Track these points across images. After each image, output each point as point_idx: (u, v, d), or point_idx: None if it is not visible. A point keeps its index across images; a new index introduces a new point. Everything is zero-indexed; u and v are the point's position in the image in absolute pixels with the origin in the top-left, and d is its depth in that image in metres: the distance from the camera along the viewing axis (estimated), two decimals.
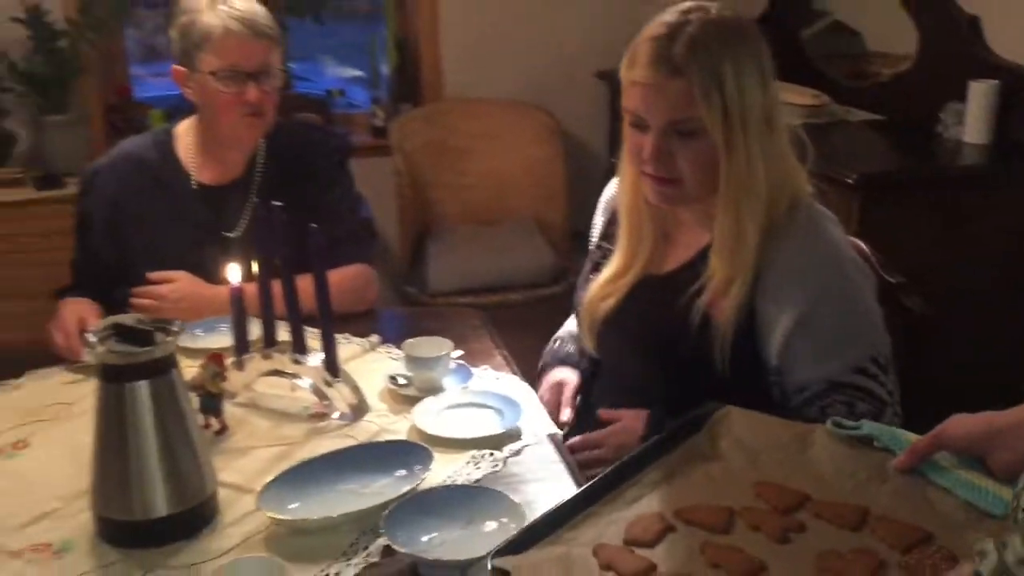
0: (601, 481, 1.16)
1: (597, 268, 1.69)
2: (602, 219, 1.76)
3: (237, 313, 1.62)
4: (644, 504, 1.13)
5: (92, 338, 1.24)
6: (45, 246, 2.96)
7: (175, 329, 1.27)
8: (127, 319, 1.27)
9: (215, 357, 1.52)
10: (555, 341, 1.88)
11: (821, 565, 1.03)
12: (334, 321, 1.58)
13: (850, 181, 2.53)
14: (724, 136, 1.43)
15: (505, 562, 1.01)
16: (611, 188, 1.73)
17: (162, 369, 1.25)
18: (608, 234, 1.71)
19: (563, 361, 1.81)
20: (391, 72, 3.75)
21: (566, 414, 1.69)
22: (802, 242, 1.46)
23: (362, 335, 1.88)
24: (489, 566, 1.00)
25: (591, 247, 1.79)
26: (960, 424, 1.11)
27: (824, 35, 3.62)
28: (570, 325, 1.86)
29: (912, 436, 1.16)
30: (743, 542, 1.06)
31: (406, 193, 3.46)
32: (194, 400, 1.42)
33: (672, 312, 1.51)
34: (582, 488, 1.16)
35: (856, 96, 3.30)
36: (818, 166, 1.56)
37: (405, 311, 2.11)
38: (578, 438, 1.59)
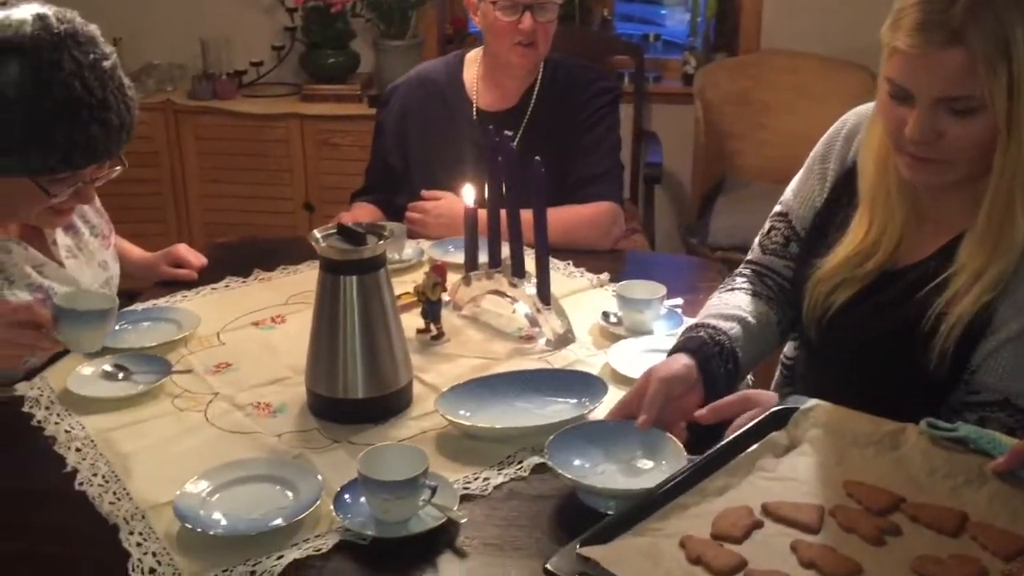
0: (688, 472, 1.14)
1: (821, 235, 1.47)
2: (835, 167, 1.49)
3: (469, 232, 1.75)
4: (731, 497, 1.10)
5: (318, 235, 1.41)
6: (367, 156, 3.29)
7: (386, 235, 1.41)
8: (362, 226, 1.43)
9: (437, 268, 1.67)
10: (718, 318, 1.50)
11: (919, 570, 0.97)
12: (548, 250, 1.65)
13: None
14: (1007, 114, 1.21)
15: (592, 551, 1.01)
16: (850, 121, 1.50)
17: (371, 267, 1.40)
18: (842, 195, 1.46)
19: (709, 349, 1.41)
20: (710, 19, 3.71)
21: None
22: None
23: (597, 271, 1.95)
24: (576, 554, 1.01)
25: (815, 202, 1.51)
26: None
27: None
28: (741, 301, 1.52)
29: (1012, 440, 1.09)
30: (836, 542, 1.03)
31: (703, 142, 3.43)
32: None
33: (907, 310, 1.32)
34: (668, 478, 1.14)
35: None
36: None
37: (645, 254, 2.13)
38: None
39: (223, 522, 1.17)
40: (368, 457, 1.20)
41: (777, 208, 1.58)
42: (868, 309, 1.37)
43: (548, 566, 1.01)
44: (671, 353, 1.40)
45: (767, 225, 1.59)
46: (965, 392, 1.29)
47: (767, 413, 1.23)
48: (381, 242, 1.41)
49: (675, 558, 1.02)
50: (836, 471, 1.15)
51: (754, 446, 1.18)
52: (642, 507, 1.10)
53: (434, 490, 1.18)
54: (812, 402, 1.23)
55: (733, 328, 1.44)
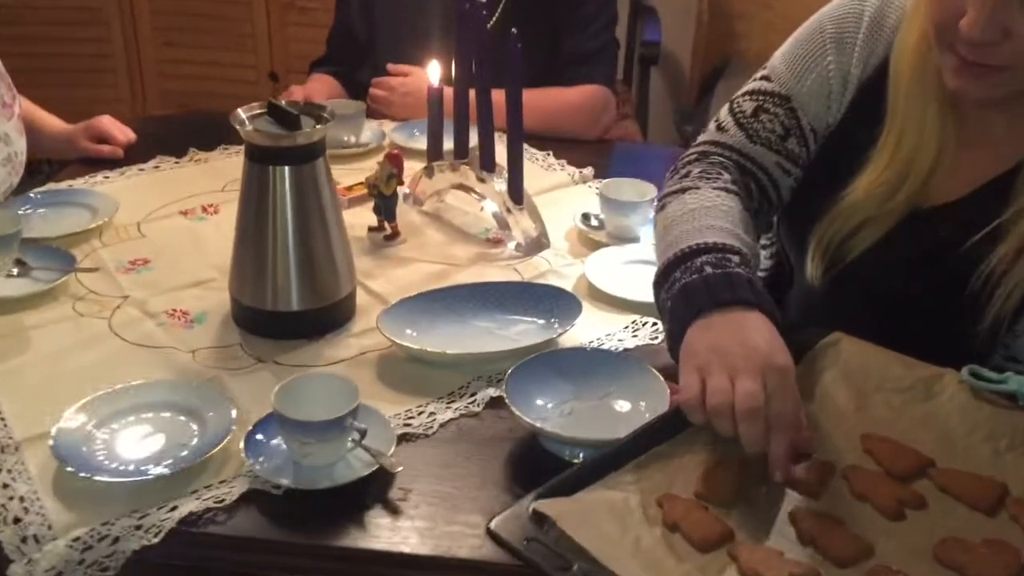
0: (672, 417, 0.94)
1: (834, 159, 1.13)
2: (857, 67, 1.13)
3: (433, 116, 1.51)
4: (724, 449, 0.90)
5: (243, 115, 1.18)
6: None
7: (326, 116, 1.18)
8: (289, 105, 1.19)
9: (392, 157, 1.43)
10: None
11: (944, 557, 0.79)
12: (522, 139, 1.41)
13: None
14: None
15: (549, 506, 0.83)
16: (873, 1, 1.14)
17: (306, 156, 1.17)
18: (865, 108, 1.12)
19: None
20: None
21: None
22: None
23: (580, 165, 1.72)
24: (528, 510, 0.83)
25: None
26: None
27: None
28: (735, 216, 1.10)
29: None
30: (844, 512, 0.84)
31: (705, 20, 3.14)
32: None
33: (947, 266, 1.04)
34: (652, 420, 0.95)
35: None
36: None
37: (636, 145, 1.90)
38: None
39: (108, 463, 0.98)
40: (285, 390, 0.99)
41: (768, 84, 1.18)
42: (896, 261, 1.08)
43: (491, 526, 0.82)
44: (728, 303, 0.93)
45: (751, 102, 1.18)
46: (1003, 357, 1.05)
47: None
48: (319, 126, 1.17)
49: (648, 522, 0.83)
50: (854, 421, 0.95)
51: None
52: (617, 453, 0.91)
53: (364, 432, 0.98)
54: (834, 335, 1.02)
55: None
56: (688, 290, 0.96)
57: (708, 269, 0.97)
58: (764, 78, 1.19)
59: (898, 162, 1.07)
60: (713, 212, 1.07)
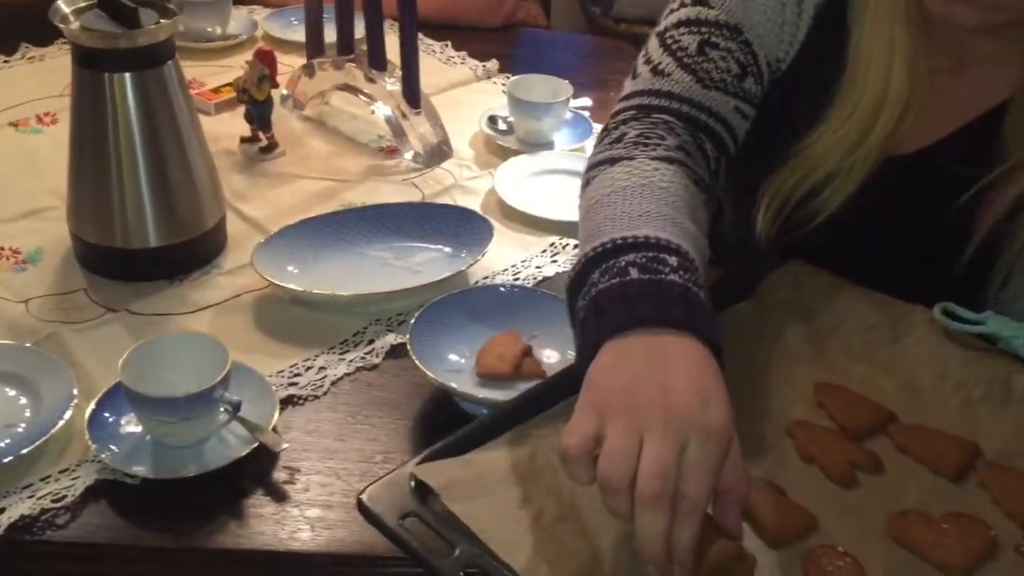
0: None
1: (789, 104, 0.93)
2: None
3: (311, 3, 1.29)
4: None
5: (65, 8, 0.95)
6: None
7: (172, 8, 0.96)
8: None
9: (263, 55, 1.22)
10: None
11: (900, 534, 0.67)
12: (416, 30, 1.21)
13: None
14: None
15: (433, 472, 0.67)
16: None
17: (151, 60, 0.95)
18: (825, 41, 0.90)
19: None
20: None
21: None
22: None
23: (482, 58, 1.53)
24: (410, 480, 0.67)
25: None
26: None
27: None
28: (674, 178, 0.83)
29: None
30: (786, 478, 0.71)
31: None
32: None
33: (937, 221, 0.87)
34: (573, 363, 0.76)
35: None
36: None
37: (541, 32, 1.70)
38: None
39: None
40: (137, 356, 0.81)
41: (710, 12, 0.92)
42: (872, 223, 0.88)
43: (363, 498, 0.66)
44: (653, 323, 0.67)
45: (692, 36, 0.91)
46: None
47: (725, 271, 0.88)
48: (165, 21, 0.95)
49: (555, 482, 0.67)
50: (807, 367, 0.82)
51: None
52: (527, 400, 0.75)
53: (237, 406, 0.81)
54: (791, 264, 0.88)
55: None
56: (603, 299, 0.69)
57: (633, 272, 0.70)
58: (701, 3, 0.93)
59: (865, 101, 0.87)
60: (648, 192, 0.80)
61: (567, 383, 0.72)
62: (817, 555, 0.65)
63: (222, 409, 0.81)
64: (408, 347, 0.87)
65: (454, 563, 0.61)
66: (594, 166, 0.86)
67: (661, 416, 0.60)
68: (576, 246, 1.10)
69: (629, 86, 0.95)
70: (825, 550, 0.66)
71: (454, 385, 0.84)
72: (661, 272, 0.70)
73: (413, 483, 0.66)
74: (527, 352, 0.87)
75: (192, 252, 1.03)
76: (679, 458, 0.59)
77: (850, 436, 0.76)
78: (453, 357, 0.89)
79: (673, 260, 0.71)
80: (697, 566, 0.59)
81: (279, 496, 0.79)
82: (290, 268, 1.01)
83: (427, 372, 0.84)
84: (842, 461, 0.73)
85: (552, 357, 0.90)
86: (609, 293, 0.69)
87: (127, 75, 0.95)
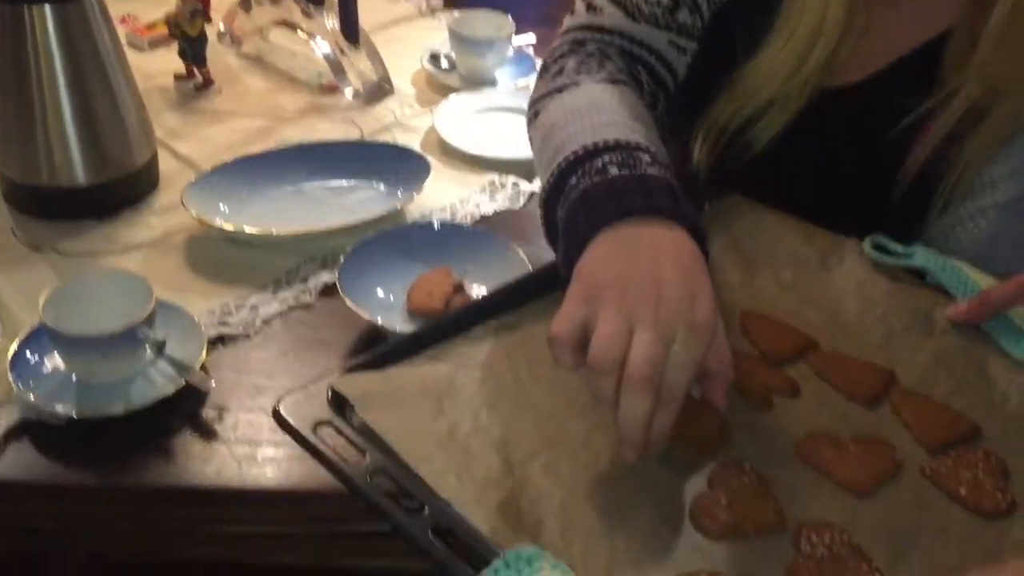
0: (532, 277, 0.78)
1: (725, 34, 0.91)
2: None
3: None
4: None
5: None
6: None
7: None
8: None
9: None
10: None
11: (808, 455, 0.67)
12: None
13: None
14: None
15: (350, 384, 0.67)
16: None
17: None
18: None
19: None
20: None
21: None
22: None
23: None
24: (328, 392, 0.67)
25: None
26: None
27: None
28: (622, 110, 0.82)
29: (988, 280, 0.78)
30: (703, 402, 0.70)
31: None
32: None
33: (875, 151, 0.86)
34: (506, 284, 0.78)
35: None
36: None
37: None
38: None
39: None
40: (60, 296, 0.79)
41: None
42: (809, 153, 0.88)
43: (279, 407, 0.65)
44: (643, 212, 0.69)
45: None
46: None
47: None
48: None
49: (472, 405, 0.67)
50: (736, 296, 0.82)
51: None
52: (452, 319, 0.75)
53: (162, 344, 0.80)
54: (730, 198, 0.88)
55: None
56: (588, 197, 0.70)
57: (613, 170, 0.71)
58: None
59: (803, 27, 0.84)
60: (605, 106, 0.80)
61: (491, 305, 0.74)
62: (718, 473, 0.66)
63: (147, 348, 0.80)
64: (338, 285, 0.87)
65: (363, 469, 0.61)
66: (540, 99, 0.86)
67: (652, 311, 0.62)
68: (515, 183, 1.09)
69: (567, 22, 0.95)
70: (731, 466, 0.66)
71: (382, 322, 0.83)
72: (640, 167, 0.71)
73: (330, 394, 0.66)
74: (458, 289, 0.87)
75: (122, 190, 1.01)
76: (666, 351, 0.61)
77: (770, 362, 0.76)
78: (384, 295, 0.88)
79: (646, 157, 0.72)
80: (685, 441, 0.64)
81: (207, 434, 0.79)
82: (222, 207, 1.00)
83: (355, 309, 0.84)
84: (760, 385, 0.74)
85: (484, 293, 0.89)
86: (594, 190, 0.70)
87: (47, 7, 0.92)
